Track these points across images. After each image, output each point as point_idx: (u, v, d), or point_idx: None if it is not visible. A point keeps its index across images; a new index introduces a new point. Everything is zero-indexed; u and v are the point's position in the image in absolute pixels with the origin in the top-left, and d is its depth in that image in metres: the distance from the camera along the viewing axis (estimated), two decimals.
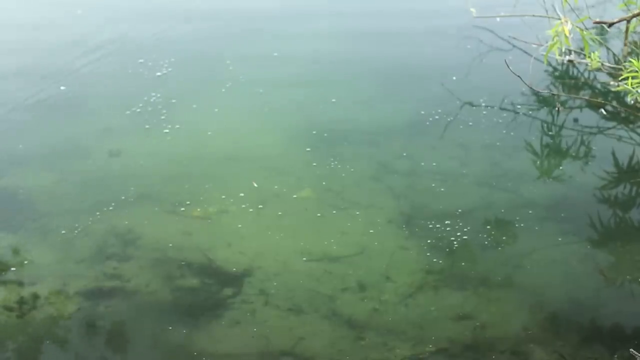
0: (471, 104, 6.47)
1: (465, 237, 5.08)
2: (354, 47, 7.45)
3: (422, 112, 6.35)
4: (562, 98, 6.65)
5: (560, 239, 5.12)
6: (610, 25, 6.21)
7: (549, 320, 4.57)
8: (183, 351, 4.37)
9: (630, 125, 6.30)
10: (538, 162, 5.96)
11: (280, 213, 5.29)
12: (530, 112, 6.47)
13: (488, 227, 5.19)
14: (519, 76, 6.26)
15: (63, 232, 5.12)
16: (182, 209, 5.32)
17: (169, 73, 6.92)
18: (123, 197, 5.41)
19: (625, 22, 6.08)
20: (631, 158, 5.94)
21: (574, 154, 6.05)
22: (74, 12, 8.12)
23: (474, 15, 7.67)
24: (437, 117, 6.28)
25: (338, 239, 5.09)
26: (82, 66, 7.04)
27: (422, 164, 5.78)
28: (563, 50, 6.42)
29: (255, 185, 5.50)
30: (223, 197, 5.41)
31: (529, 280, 4.83)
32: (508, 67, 6.34)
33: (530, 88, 6.44)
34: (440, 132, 6.14)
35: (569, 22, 5.83)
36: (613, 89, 6.55)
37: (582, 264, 4.95)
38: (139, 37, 7.59)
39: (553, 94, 6.66)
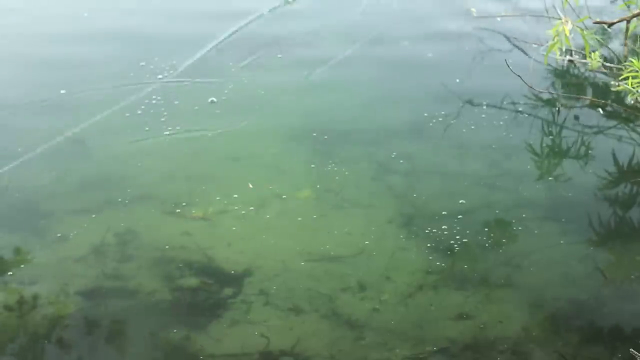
0: (472, 105, 6.47)
1: (465, 238, 5.08)
2: (355, 48, 7.44)
3: (425, 114, 6.33)
4: (563, 98, 6.65)
5: (560, 239, 5.12)
6: (610, 25, 6.22)
7: (549, 320, 4.57)
8: (183, 351, 4.38)
9: (631, 125, 6.30)
10: (538, 162, 5.96)
11: (280, 213, 5.29)
12: (531, 112, 6.46)
13: (488, 227, 5.19)
14: (519, 76, 6.26)
15: (63, 231, 5.12)
16: (178, 210, 5.32)
17: None
18: (122, 198, 5.41)
19: (625, 22, 6.08)
20: (631, 158, 5.94)
21: (574, 154, 6.05)
22: None
23: (475, 15, 7.68)
24: (440, 118, 6.27)
25: (338, 239, 5.09)
26: None
27: (423, 164, 5.78)
28: (563, 50, 6.43)
29: (251, 186, 5.50)
30: (223, 197, 5.41)
31: (529, 280, 4.83)
32: (509, 67, 6.35)
33: (531, 88, 6.44)
34: (441, 132, 6.14)
35: (570, 22, 5.84)
36: (613, 89, 6.55)
37: (582, 264, 4.95)
38: None
39: (553, 94, 6.66)
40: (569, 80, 7.01)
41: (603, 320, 4.61)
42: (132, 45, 7.34)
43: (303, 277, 4.81)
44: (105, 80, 6.73)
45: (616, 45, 7.29)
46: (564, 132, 6.30)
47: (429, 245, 5.04)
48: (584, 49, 6.25)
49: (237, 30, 7.60)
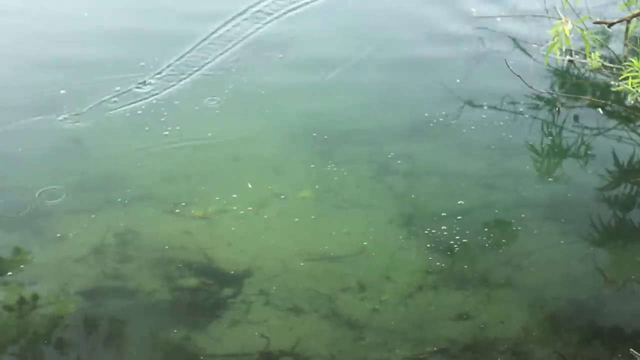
0: (472, 105, 6.47)
1: (465, 238, 5.08)
2: (355, 50, 7.42)
3: (426, 114, 6.32)
4: (563, 98, 6.65)
5: (560, 239, 5.12)
6: (611, 25, 6.22)
7: (549, 320, 4.58)
8: (183, 351, 4.38)
9: (631, 125, 6.30)
10: (538, 162, 5.96)
11: (280, 213, 5.29)
12: (531, 112, 6.46)
13: (488, 227, 5.19)
14: (519, 76, 6.26)
15: (63, 231, 5.12)
16: (178, 210, 5.32)
17: None
18: (122, 198, 5.41)
19: (625, 22, 6.08)
20: (631, 158, 5.94)
21: (574, 154, 6.05)
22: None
23: (475, 15, 7.67)
24: (440, 119, 6.27)
25: (338, 239, 5.09)
26: None
27: (424, 164, 5.78)
28: (563, 50, 6.42)
29: (250, 186, 5.50)
30: (223, 197, 5.41)
31: (529, 280, 4.83)
32: (508, 67, 6.34)
33: (531, 88, 6.44)
34: (441, 133, 6.14)
35: (570, 22, 5.83)
36: (613, 89, 6.54)
37: (582, 264, 4.95)
38: None
39: (553, 94, 6.66)
40: (569, 80, 7.01)
41: (603, 320, 4.61)
42: (131, 46, 7.32)
43: (303, 277, 4.81)
44: (105, 80, 6.72)
45: (616, 45, 7.28)
46: (564, 132, 6.29)
47: (429, 245, 5.04)
48: (584, 49, 6.24)
49: (236, 30, 7.60)
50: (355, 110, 6.45)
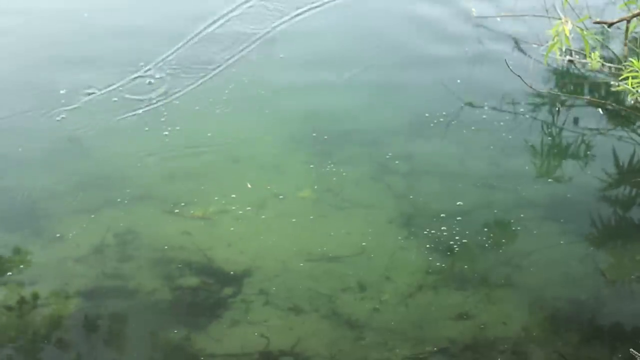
0: (472, 105, 6.47)
1: (465, 238, 5.08)
2: (355, 52, 7.42)
3: (427, 115, 6.32)
4: (563, 98, 6.65)
5: (560, 239, 5.12)
6: (611, 25, 6.22)
7: (549, 320, 4.58)
8: (183, 351, 4.38)
9: (631, 125, 6.30)
10: (538, 162, 5.96)
11: (279, 213, 5.29)
12: (531, 112, 6.46)
13: (488, 227, 5.19)
14: (519, 76, 6.26)
15: (63, 231, 5.12)
16: (177, 210, 5.32)
17: None
18: (122, 198, 5.41)
19: (625, 22, 6.08)
20: (631, 158, 5.94)
21: (574, 154, 6.05)
22: None
23: (475, 15, 7.67)
24: (441, 119, 6.26)
25: (338, 239, 5.09)
26: None
27: (423, 164, 5.78)
28: (563, 50, 6.42)
29: (250, 186, 5.50)
30: (223, 197, 5.41)
31: (529, 280, 4.83)
32: (508, 67, 6.34)
33: (531, 88, 6.44)
34: (442, 133, 6.14)
35: (570, 22, 5.83)
36: (613, 89, 6.54)
37: (582, 264, 4.96)
38: None
39: (553, 94, 6.66)
40: (569, 80, 7.01)
41: (603, 320, 4.62)
42: (132, 49, 7.32)
43: (303, 277, 4.81)
44: (104, 78, 6.72)
45: (616, 45, 7.28)
46: (564, 133, 6.30)
47: (428, 245, 5.04)
48: (584, 49, 6.24)
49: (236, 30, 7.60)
50: (356, 110, 6.45)
